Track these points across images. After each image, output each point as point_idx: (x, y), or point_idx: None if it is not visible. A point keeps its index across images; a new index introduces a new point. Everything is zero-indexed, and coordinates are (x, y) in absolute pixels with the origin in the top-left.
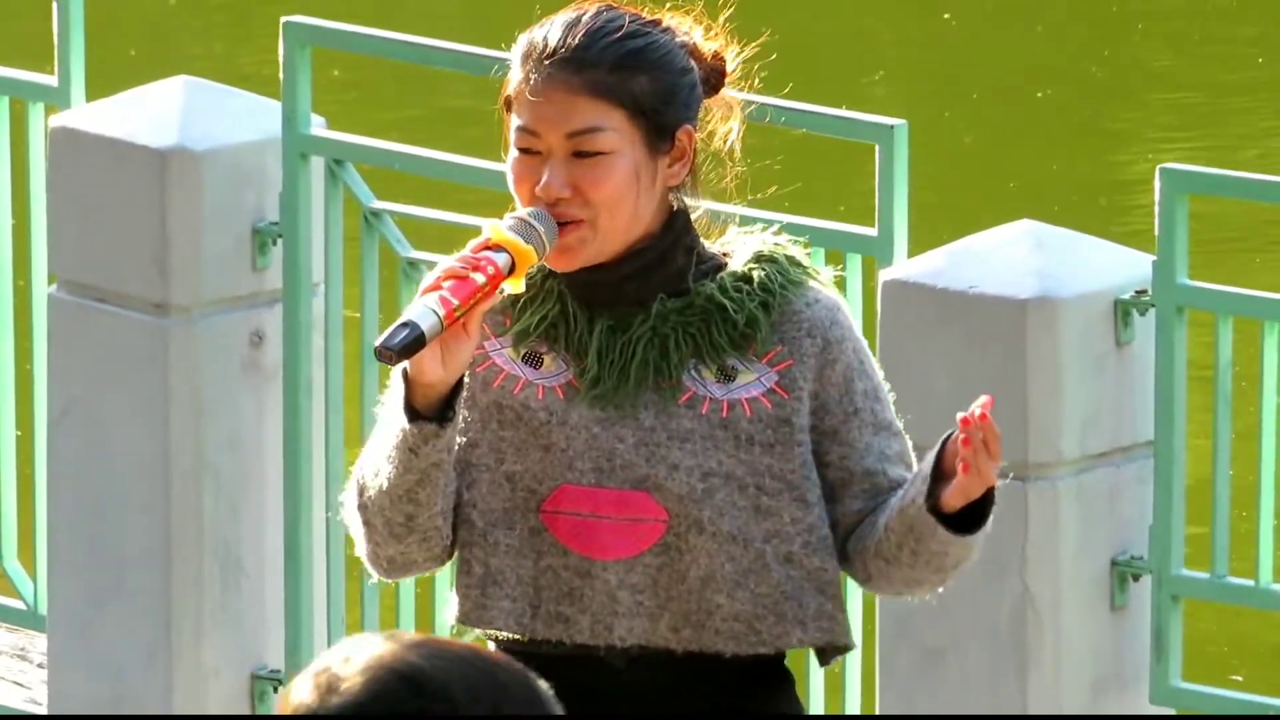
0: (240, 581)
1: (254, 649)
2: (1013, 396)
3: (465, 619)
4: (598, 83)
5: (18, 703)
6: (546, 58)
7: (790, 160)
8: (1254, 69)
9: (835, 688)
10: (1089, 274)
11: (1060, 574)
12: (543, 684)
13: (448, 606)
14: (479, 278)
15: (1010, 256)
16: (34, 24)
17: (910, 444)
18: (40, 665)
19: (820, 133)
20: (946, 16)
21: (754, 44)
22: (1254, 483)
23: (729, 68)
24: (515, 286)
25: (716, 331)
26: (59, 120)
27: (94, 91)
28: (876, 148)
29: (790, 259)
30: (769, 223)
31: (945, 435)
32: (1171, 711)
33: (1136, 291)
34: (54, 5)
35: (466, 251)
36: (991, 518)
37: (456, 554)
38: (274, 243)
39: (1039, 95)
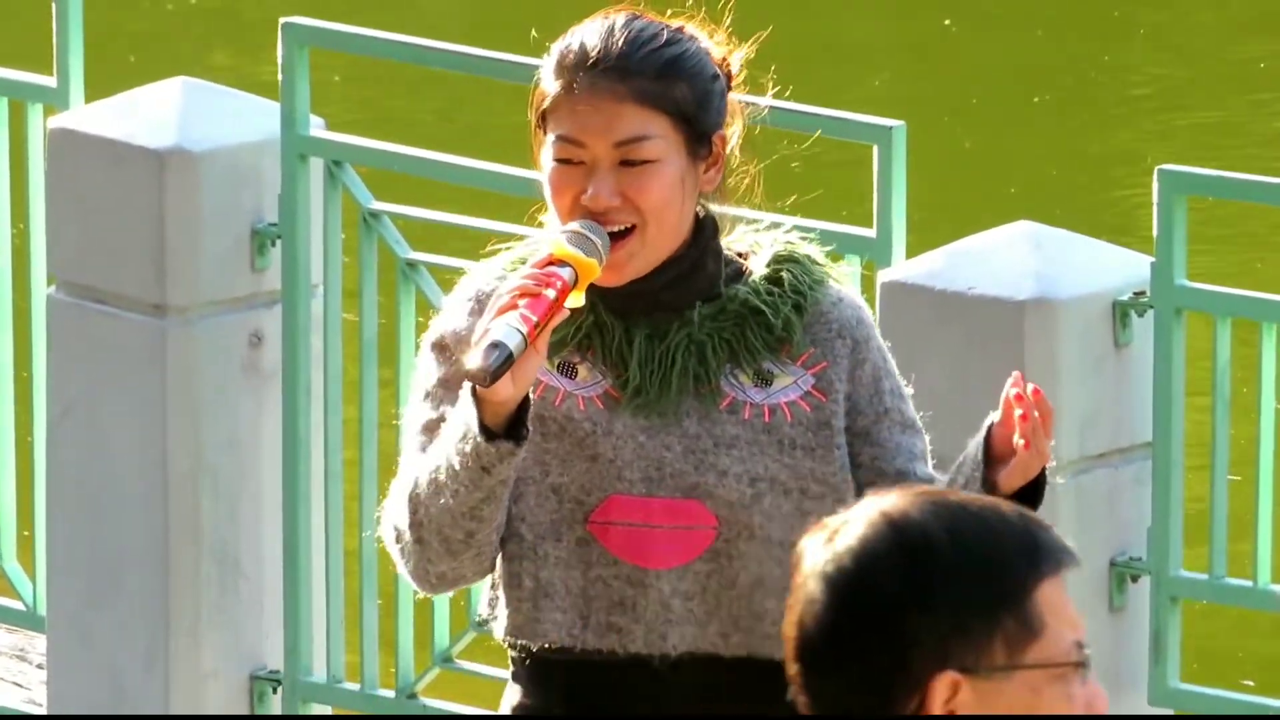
0: (238, 582)
1: (252, 650)
2: None
3: (517, 632)
4: (644, 90)
5: (17, 703)
6: (590, 66)
7: (791, 163)
8: (1257, 75)
9: None
10: (1087, 275)
11: None
12: (1052, 536)
13: (494, 621)
14: (550, 293)
15: (1009, 258)
16: (33, 25)
17: (928, 440)
18: (40, 666)
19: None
20: (947, 22)
21: (754, 41)
22: (1252, 484)
23: (734, 71)
24: (577, 300)
25: (752, 335)
26: (57, 121)
27: (92, 93)
28: (875, 149)
29: (809, 258)
30: (776, 223)
31: (989, 421)
32: (1170, 712)
33: (1135, 293)
34: (53, 6)
35: (532, 269)
36: (1045, 495)
37: (504, 567)
38: (273, 244)
39: (1037, 100)
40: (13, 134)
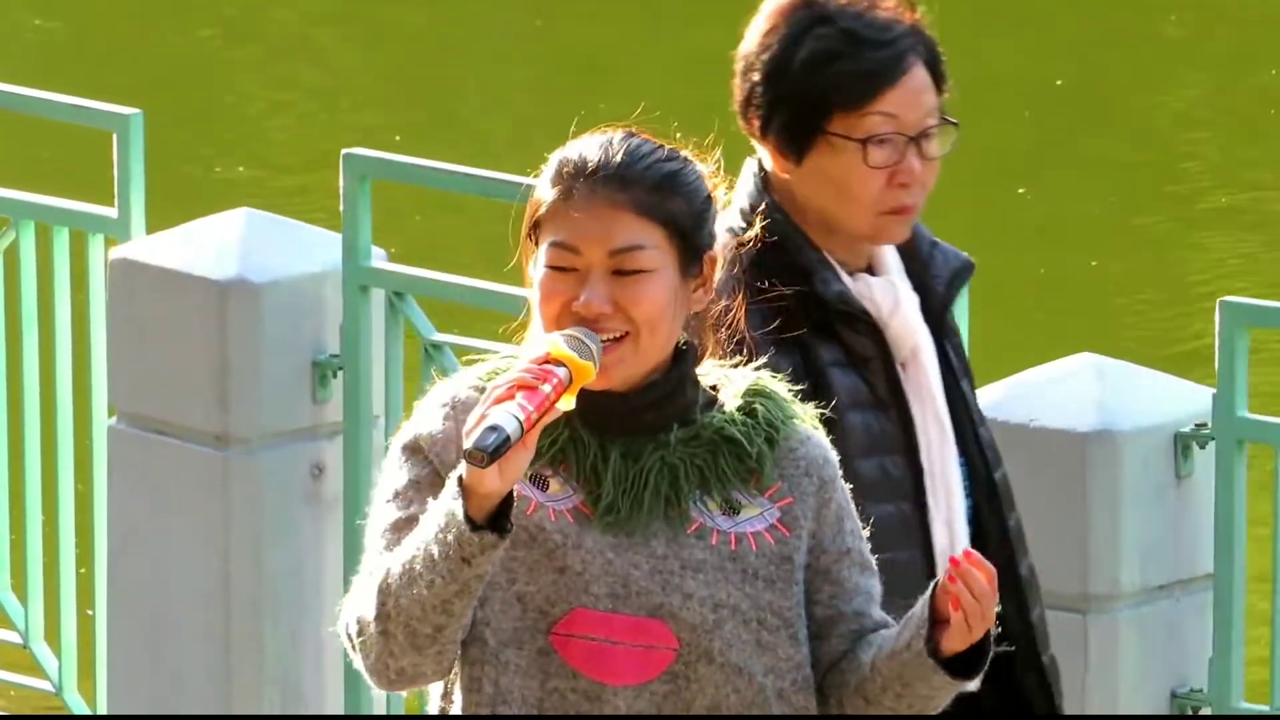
0: (300, 710)
1: None
2: (1072, 528)
3: None
4: (641, 201)
5: None
6: (588, 175)
7: None
8: None
9: None
10: (1149, 407)
11: (1119, 706)
12: None
13: None
14: (547, 389)
15: (1070, 389)
16: (94, 156)
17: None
18: None
19: None
20: (1021, 191)
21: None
22: None
23: (719, 205)
24: (568, 403)
25: (724, 463)
26: (119, 252)
27: (153, 223)
28: None
29: (779, 394)
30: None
31: (933, 583)
32: None
33: (1196, 425)
34: (114, 137)
35: (530, 364)
36: (990, 656)
37: (465, 670)
38: (334, 375)
39: (1095, 264)
40: (73, 264)
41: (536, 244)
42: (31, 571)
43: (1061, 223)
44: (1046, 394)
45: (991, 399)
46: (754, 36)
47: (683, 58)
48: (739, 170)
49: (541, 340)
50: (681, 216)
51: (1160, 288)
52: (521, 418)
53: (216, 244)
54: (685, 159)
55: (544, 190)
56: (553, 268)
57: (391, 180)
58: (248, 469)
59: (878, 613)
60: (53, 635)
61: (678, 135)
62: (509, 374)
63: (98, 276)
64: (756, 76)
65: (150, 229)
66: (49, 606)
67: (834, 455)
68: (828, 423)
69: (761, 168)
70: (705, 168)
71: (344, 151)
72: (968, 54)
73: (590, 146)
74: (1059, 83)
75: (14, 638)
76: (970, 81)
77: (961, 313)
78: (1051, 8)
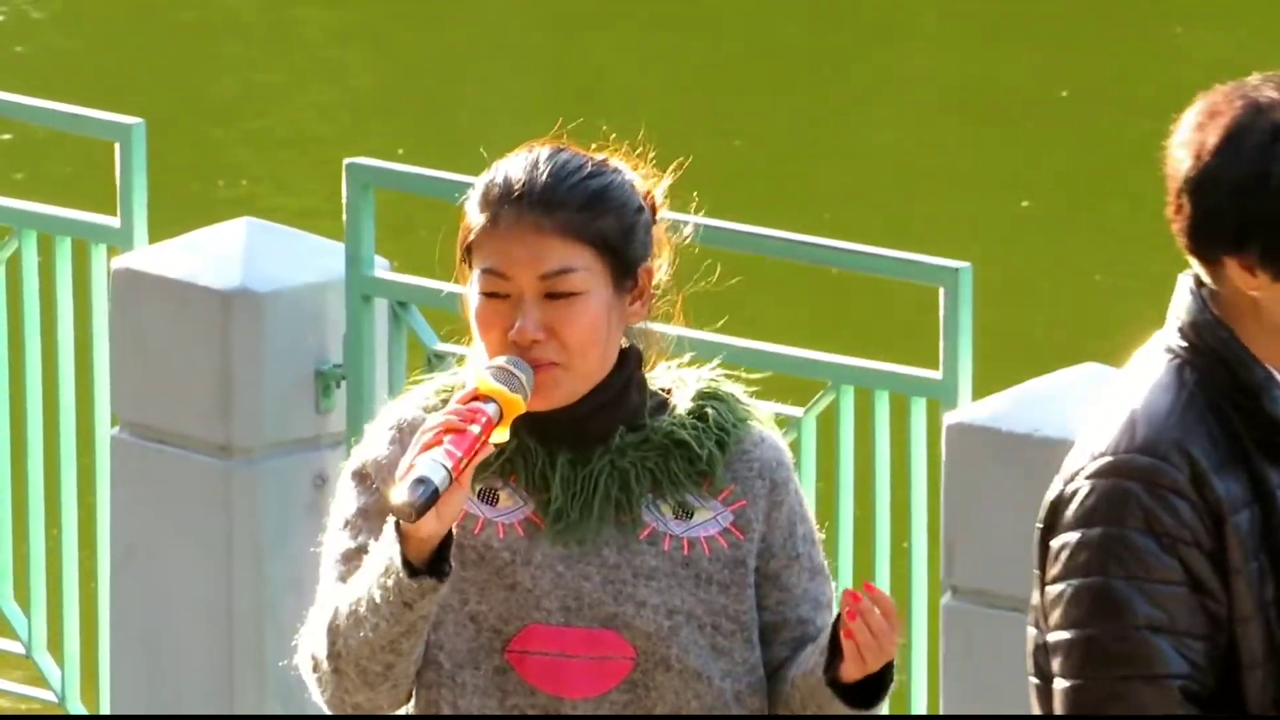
0: None
1: None
2: None
3: None
4: (569, 223)
5: None
6: (515, 199)
7: (856, 299)
8: None
9: None
10: None
11: None
12: None
13: None
14: (475, 429)
15: (1073, 400)
16: (97, 165)
17: (834, 586)
18: None
19: (882, 275)
20: (1025, 204)
21: (676, 168)
22: None
23: (659, 202)
24: (502, 436)
25: (675, 466)
26: (122, 262)
27: (156, 233)
28: (941, 291)
29: (733, 396)
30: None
31: (837, 612)
32: None
33: None
34: (116, 146)
35: (456, 405)
36: (890, 690)
37: (421, 695)
38: (337, 385)
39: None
40: (76, 274)
41: (470, 265)
42: (34, 581)
43: (1064, 235)
44: (1050, 405)
45: (994, 410)
46: (1202, 150)
47: (684, 71)
48: (673, 168)
49: (470, 375)
50: (611, 234)
51: (1164, 300)
52: (449, 465)
53: (219, 253)
54: (614, 170)
55: (473, 215)
56: (486, 294)
57: (394, 189)
58: (250, 479)
59: (824, 618)
60: (56, 645)
61: (611, 136)
62: (436, 416)
63: (100, 286)
64: (1222, 194)
65: (153, 239)
66: (52, 616)
67: (788, 457)
68: (1272, 538)
69: (1198, 283)
70: (634, 175)
71: (347, 160)
72: (971, 64)
73: (515, 167)
74: (1064, 94)
75: (17, 647)
76: (974, 92)
77: (964, 324)
78: (1058, 17)
